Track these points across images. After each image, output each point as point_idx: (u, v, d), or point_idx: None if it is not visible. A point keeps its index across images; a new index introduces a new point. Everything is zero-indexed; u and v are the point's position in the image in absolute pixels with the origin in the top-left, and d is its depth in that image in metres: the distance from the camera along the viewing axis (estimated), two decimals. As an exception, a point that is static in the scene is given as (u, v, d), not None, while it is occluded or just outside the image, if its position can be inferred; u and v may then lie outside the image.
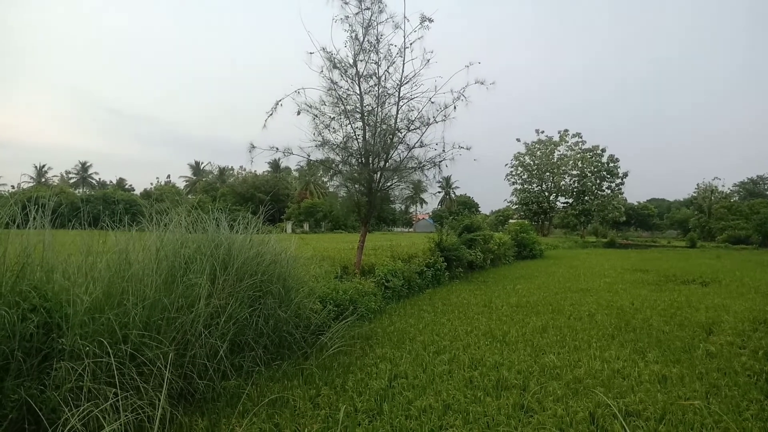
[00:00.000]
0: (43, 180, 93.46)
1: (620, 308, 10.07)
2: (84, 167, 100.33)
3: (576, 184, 63.96)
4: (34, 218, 4.42)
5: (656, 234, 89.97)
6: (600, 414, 4.34)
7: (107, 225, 5.36)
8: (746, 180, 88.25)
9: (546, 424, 4.15)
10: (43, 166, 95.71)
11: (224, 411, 4.42)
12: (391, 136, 10.97)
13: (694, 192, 74.59)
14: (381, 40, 10.57)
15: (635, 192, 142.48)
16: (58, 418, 3.26)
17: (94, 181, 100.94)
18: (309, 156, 10.99)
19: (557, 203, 66.97)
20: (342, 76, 10.69)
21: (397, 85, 10.85)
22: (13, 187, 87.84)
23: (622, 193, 64.82)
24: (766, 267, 21.63)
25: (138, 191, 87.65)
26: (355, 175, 11.10)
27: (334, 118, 10.83)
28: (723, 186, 72.11)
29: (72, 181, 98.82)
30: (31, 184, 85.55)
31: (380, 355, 6.38)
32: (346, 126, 10.97)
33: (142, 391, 3.77)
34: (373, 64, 10.71)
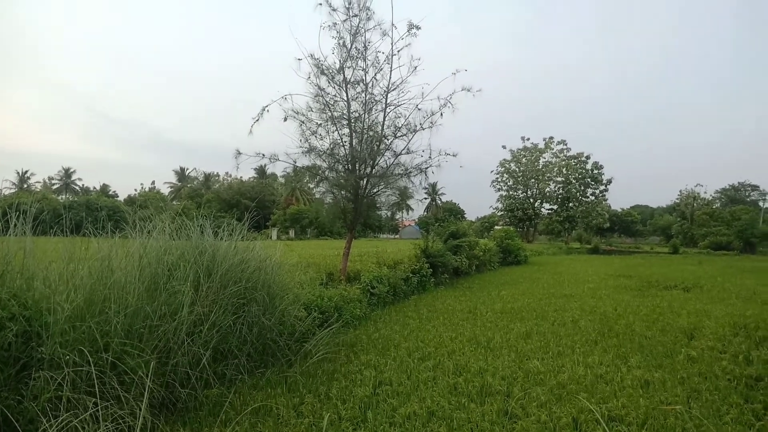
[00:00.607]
0: (26, 186, 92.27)
1: (603, 314, 10.15)
2: (67, 173, 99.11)
3: (561, 191, 64.39)
4: (15, 225, 4.37)
5: (639, 240, 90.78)
6: (583, 419, 4.37)
7: (90, 232, 5.31)
8: (728, 187, 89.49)
9: (530, 429, 4.17)
10: (26, 171, 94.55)
11: (206, 420, 4.39)
12: (377, 143, 11.00)
13: (677, 199, 75.52)
14: (368, 47, 10.62)
15: (619, 199, 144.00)
16: (36, 429, 3.22)
17: (77, 188, 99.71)
18: (295, 162, 10.98)
19: (542, 210, 67.33)
20: (329, 82, 10.72)
21: (384, 91, 10.90)
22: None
23: (606, 200, 65.35)
24: (746, 273, 21.91)
25: (122, 197, 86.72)
26: (342, 181, 11.11)
27: (321, 124, 10.85)
28: (705, 193, 73.14)
29: (55, 187, 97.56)
30: (12, 191, 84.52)
31: (365, 362, 6.37)
32: (333, 132, 10.99)
33: (122, 400, 3.73)
34: (360, 71, 10.76)
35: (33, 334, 3.89)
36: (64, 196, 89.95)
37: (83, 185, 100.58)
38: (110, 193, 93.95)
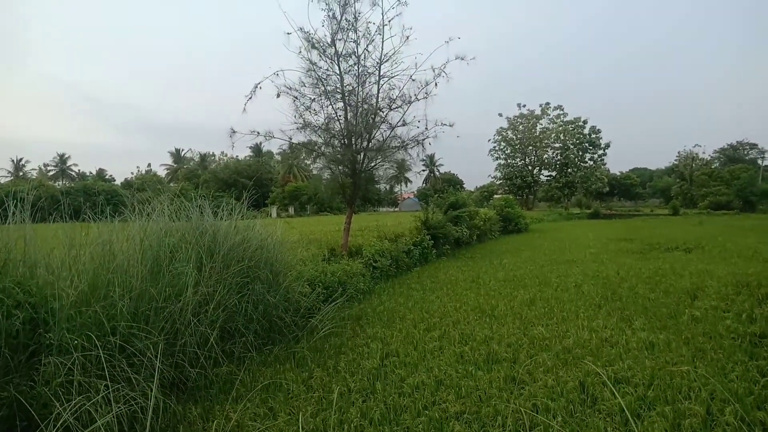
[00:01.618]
0: (21, 174, 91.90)
1: (606, 278, 10.19)
2: (62, 159, 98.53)
3: (559, 157, 64.29)
4: (14, 213, 4.35)
5: (639, 203, 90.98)
6: (590, 382, 4.40)
7: (89, 217, 5.29)
8: (726, 146, 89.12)
9: (537, 394, 4.20)
10: (20, 159, 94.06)
11: (217, 398, 4.43)
12: (373, 116, 10.90)
13: (676, 160, 75.53)
14: (359, 18, 10.43)
15: (618, 162, 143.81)
16: (50, 414, 3.24)
17: (73, 173, 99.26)
18: (291, 139, 10.89)
19: (541, 177, 67.36)
20: (321, 56, 10.57)
21: (377, 63, 10.76)
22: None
23: (604, 164, 65.34)
24: (747, 231, 21.99)
25: (119, 181, 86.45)
26: (339, 156, 11.04)
27: (314, 99, 10.73)
28: (704, 153, 73.09)
29: (51, 173, 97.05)
30: (8, 179, 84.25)
31: (371, 334, 6.41)
32: (327, 107, 10.89)
33: (133, 382, 3.75)
34: (351, 43, 10.60)
35: (40, 320, 3.89)
36: (60, 183, 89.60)
37: (79, 170, 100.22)
38: (107, 177, 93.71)
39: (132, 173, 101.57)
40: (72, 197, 41.62)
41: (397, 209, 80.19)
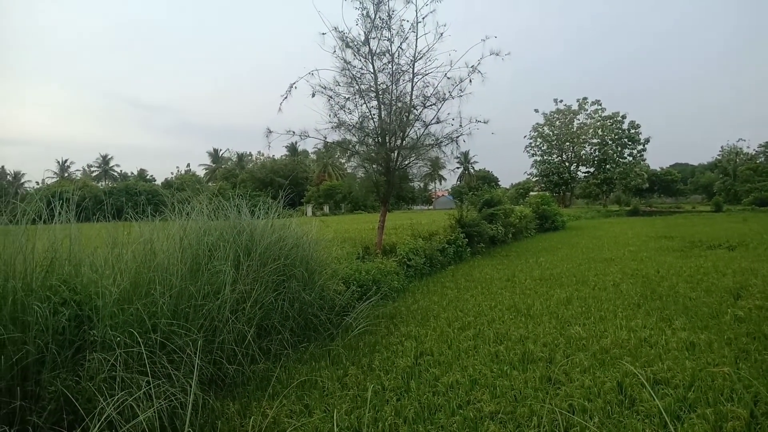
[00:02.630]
0: (66, 175, 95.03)
1: (645, 276, 9.97)
2: (105, 160, 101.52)
3: (597, 153, 63.07)
4: (60, 213, 4.49)
5: (680, 200, 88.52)
6: (628, 383, 4.32)
7: (131, 216, 5.44)
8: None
9: (573, 395, 4.15)
10: (66, 161, 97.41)
11: (254, 394, 4.50)
12: (406, 114, 10.91)
13: (719, 155, 73.22)
14: (393, 15, 10.49)
15: (658, 158, 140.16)
16: (94, 408, 3.34)
17: (115, 173, 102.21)
18: (325, 138, 11.01)
19: (578, 173, 66.15)
20: (355, 55, 10.65)
21: (411, 61, 10.77)
22: (37, 183, 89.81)
23: (644, 160, 63.81)
24: (795, 228, 21.19)
25: (159, 181, 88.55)
26: (373, 154, 11.09)
27: (348, 98, 10.83)
28: (748, 147, 70.78)
29: (94, 174, 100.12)
30: (54, 180, 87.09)
31: (405, 333, 6.42)
32: (362, 106, 10.97)
33: (173, 378, 3.84)
34: (385, 41, 10.64)
35: (84, 317, 4.03)
36: (103, 183, 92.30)
37: (121, 171, 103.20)
38: (147, 177, 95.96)
39: (172, 173, 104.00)
40: (114, 197, 42.90)
41: (431, 207, 79.95)
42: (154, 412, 3.39)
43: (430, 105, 11.03)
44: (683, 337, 5.66)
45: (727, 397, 3.96)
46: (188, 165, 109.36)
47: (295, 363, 5.35)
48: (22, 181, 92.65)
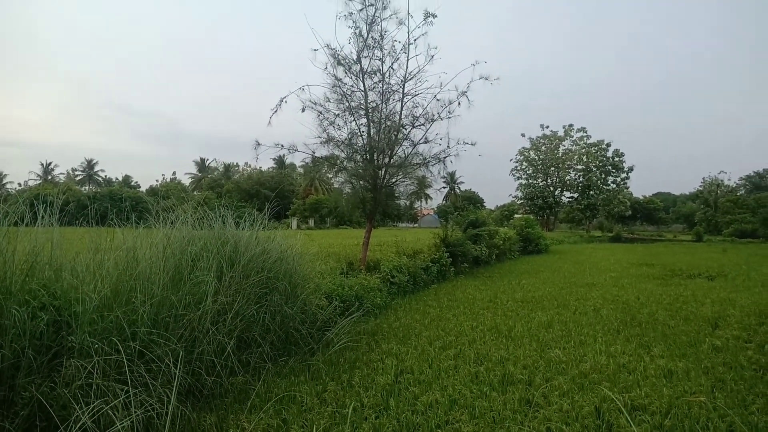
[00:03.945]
0: (50, 178, 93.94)
1: (626, 303, 10.07)
2: (90, 164, 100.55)
3: (581, 179, 63.64)
4: (42, 216, 4.46)
5: (662, 228, 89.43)
6: (606, 408, 4.35)
7: (114, 222, 5.41)
8: (752, 174, 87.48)
9: (552, 418, 4.17)
10: (50, 163, 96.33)
11: (232, 407, 4.46)
12: (395, 133, 10.99)
13: (700, 186, 74.27)
14: (385, 36, 10.60)
15: (641, 186, 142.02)
16: (69, 416, 3.30)
17: (100, 179, 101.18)
18: (314, 152, 11.06)
19: (562, 198, 66.69)
20: (346, 72, 10.73)
21: (402, 81, 10.87)
22: (20, 185, 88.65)
23: (627, 188, 64.47)
24: (772, 261, 21.51)
25: (144, 188, 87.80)
26: (360, 171, 11.13)
27: (338, 114, 10.87)
28: (729, 180, 71.81)
29: (78, 178, 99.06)
30: (38, 182, 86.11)
31: (386, 350, 6.40)
32: (351, 122, 11.02)
33: (151, 388, 3.80)
34: (377, 61, 10.74)
35: (63, 323, 3.98)
36: (87, 188, 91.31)
37: (106, 176, 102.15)
38: (132, 184, 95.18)
39: (157, 180, 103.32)
40: (99, 202, 42.38)
41: (416, 225, 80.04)
42: (131, 421, 3.35)
43: (419, 125, 11.13)
44: (661, 364, 5.72)
45: (703, 426, 4.01)
46: (174, 173, 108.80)
47: (274, 377, 5.31)
48: (4, 182, 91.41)
